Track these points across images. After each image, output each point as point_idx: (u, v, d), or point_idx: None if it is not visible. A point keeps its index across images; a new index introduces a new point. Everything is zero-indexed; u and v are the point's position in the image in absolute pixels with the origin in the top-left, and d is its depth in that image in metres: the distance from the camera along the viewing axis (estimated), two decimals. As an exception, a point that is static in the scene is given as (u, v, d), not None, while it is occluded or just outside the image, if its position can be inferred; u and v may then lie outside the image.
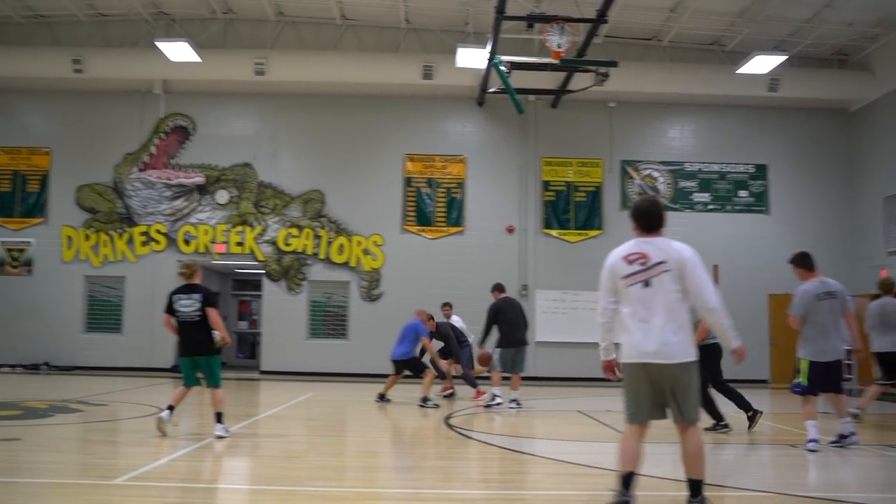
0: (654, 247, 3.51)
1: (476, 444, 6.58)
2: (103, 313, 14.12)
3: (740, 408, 6.79)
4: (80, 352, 13.95)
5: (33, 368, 13.79)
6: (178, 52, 12.95)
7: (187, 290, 6.11)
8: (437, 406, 8.99)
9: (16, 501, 3.98)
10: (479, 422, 8.01)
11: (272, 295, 13.79)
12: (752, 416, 6.79)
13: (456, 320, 10.38)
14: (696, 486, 3.35)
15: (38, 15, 14.01)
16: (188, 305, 6.03)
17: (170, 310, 6.15)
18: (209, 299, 6.09)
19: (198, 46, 12.96)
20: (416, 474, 5.25)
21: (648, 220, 3.56)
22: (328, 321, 14.02)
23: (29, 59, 13.70)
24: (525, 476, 5.28)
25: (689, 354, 3.40)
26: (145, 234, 13.91)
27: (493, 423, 8.08)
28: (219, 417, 6.10)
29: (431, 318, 9.57)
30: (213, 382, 6.13)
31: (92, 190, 14.01)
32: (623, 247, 3.60)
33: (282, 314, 13.89)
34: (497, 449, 6.29)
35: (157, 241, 13.91)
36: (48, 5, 13.79)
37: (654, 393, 3.42)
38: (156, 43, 12.81)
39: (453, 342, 9.78)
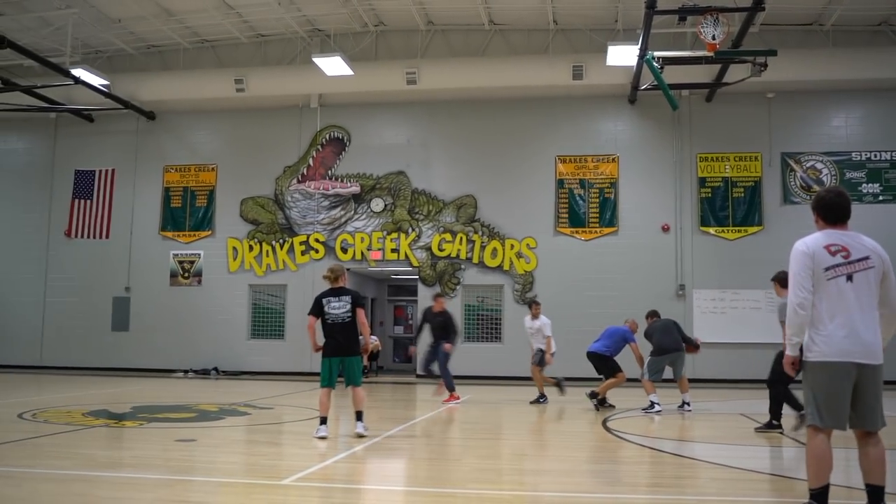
0: (853, 240, 3.75)
1: (635, 448, 7.15)
2: (267, 320, 17.00)
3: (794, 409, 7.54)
4: (245, 357, 16.88)
5: (204, 373, 16.82)
6: (333, 66, 15.64)
7: (336, 292, 7.07)
8: (612, 406, 10.02)
9: (193, 499, 4.67)
10: (637, 425, 8.69)
11: (427, 300, 16.28)
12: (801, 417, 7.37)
13: (544, 321, 11.38)
14: (878, 493, 3.60)
15: (204, 40, 17.32)
16: (339, 307, 6.98)
17: (317, 312, 7.07)
18: (358, 301, 7.11)
19: (351, 60, 15.66)
20: (576, 478, 5.62)
21: (837, 211, 3.79)
22: (482, 325, 16.29)
23: (195, 82, 16.99)
24: (688, 480, 5.58)
25: (882, 356, 3.71)
26: (304, 243, 16.76)
27: (652, 426, 8.79)
28: (359, 416, 7.07)
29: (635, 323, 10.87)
30: (355, 382, 7.06)
31: (255, 203, 17.04)
32: (818, 236, 3.81)
33: (437, 319, 16.32)
34: (657, 452, 6.75)
35: (316, 250, 16.71)
36: (212, 31, 16.98)
37: (849, 395, 3.62)
38: (313, 59, 15.63)
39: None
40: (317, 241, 16.68)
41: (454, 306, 16.10)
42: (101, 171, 17.79)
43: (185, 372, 16.62)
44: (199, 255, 17.17)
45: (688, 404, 9.91)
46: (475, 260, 16.19)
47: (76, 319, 17.58)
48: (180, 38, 17.10)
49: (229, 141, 17.55)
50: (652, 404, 9.62)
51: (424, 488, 5.24)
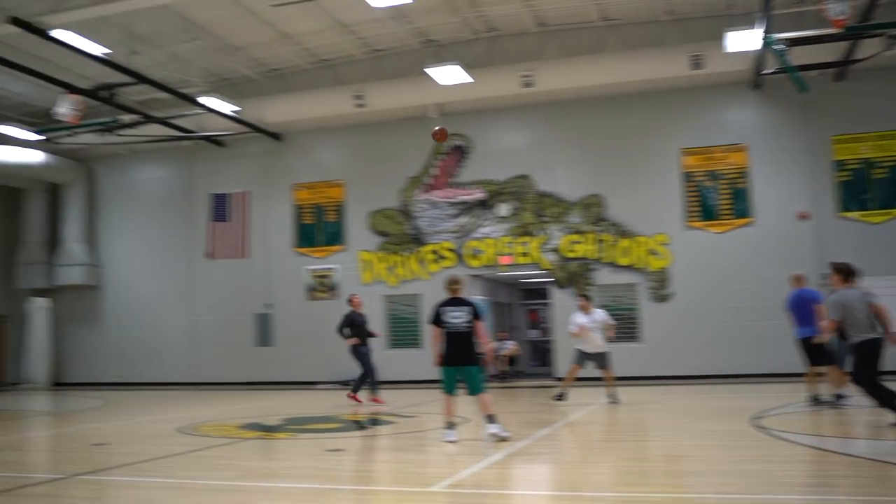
0: None
1: (792, 447, 7.85)
2: (403, 330, 20.70)
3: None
4: (384, 367, 21.18)
5: (346, 384, 21.32)
6: (448, 75, 19.16)
7: (455, 302, 8.72)
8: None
9: None
10: (794, 422, 9.59)
11: (561, 302, 19.34)
12: None
13: (601, 314, 13.56)
14: None
15: (322, 60, 21.18)
16: (458, 317, 8.61)
17: (437, 321, 8.71)
18: (478, 312, 8.72)
19: (466, 67, 19.25)
20: (729, 479, 6.14)
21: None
22: (619, 324, 19.61)
23: (317, 101, 20.87)
24: (849, 480, 6.11)
25: None
26: (435, 252, 20.45)
27: (810, 423, 9.74)
28: (491, 419, 8.56)
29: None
30: (477, 390, 8.64)
31: (383, 215, 20.94)
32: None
33: (571, 320, 19.88)
34: (818, 451, 7.50)
35: (447, 258, 20.40)
36: (329, 50, 20.75)
37: None
38: (425, 70, 19.33)
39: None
40: (447, 249, 20.40)
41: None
42: (235, 194, 22.43)
43: (329, 383, 20.74)
44: (333, 269, 21.36)
45: (844, 397, 10.95)
46: (606, 259, 19.29)
47: (221, 336, 22.22)
48: (300, 59, 21.11)
49: (354, 156, 21.53)
50: (842, 396, 10.75)
51: (575, 492, 5.99)
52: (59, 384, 24.61)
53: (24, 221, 25.39)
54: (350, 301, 15.97)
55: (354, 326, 15.37)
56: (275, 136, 22.13)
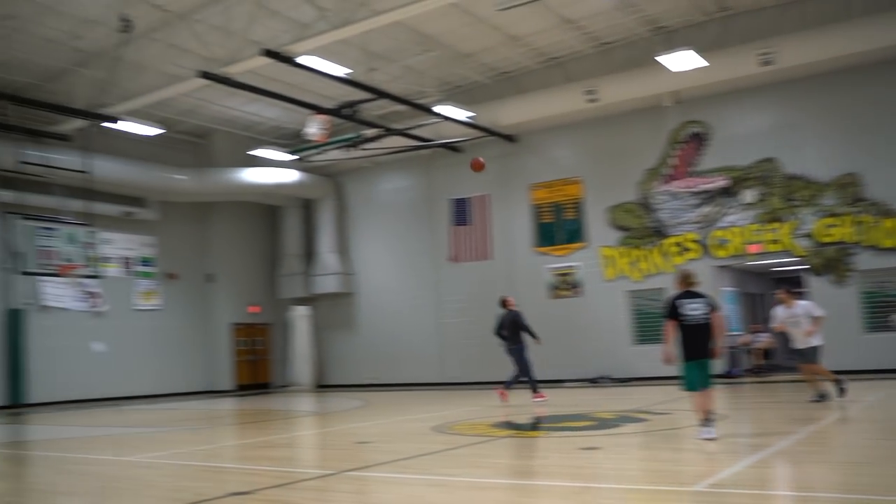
0: None
1: None
2: (648, 325, 21.11)
3: None
4: (632, 363, 22.17)
5: (593, 381, 22.95)
6: (681, 61, 19.78)
7: (691, 295, 9.05)
8: None
9: None
10: None
11: (817, 290, 18.92)
12: None
13: (804, 306, 12.95)
14: None
15: (551, 58, 22.12)
16: (697, 309, 8.90)
17: (674, 314, 8.96)
18: (715, 306, 9.00)
19: (699, 51, 19.69)
20: None
21: None
22: (885, 312, 18.55)
23: (548, 100, 21.73)
24: None
25: None
26: (678, 244, 20.70)
27: None
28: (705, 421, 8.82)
29: None
30: (707, 385, 8.92)
31: (622, 209, 21.59)
32: None
33: (829, 309, 19.51)
34: None
35: (691, 250, 20.63)
36: (557, 48, 21.61)
37: None
38: (656, 58, 19.91)
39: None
40: (690, 240, 20.98)
41: (848, 295, 18.92)
42: (475, 198, 24.10)
43: (576, 381, 21.55)
44: (575, 266, 22.66)
45: None
46: (867, 242, 18.77)
47: (469, 338, 23.85)
48: (528, 60, 22.21)
49: (589, 152, 22.29)
50: None
51: (852, 495, 5.93)
52: (321, 386, 27.58)
53: (283, 236, 28.67)
54: (504, 303, 16.89)
55: (512, 326, 16.34)
56: (509, 139, 23.64)
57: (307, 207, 28.35)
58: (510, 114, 22.67)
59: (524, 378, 16.17)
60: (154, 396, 25.56)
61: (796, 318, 12.82)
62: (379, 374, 26.01)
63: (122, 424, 16.20)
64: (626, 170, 21.72)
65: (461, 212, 24.37)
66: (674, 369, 9.33)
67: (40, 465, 10.76)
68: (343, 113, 20.41)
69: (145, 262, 25.98)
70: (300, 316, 27.63)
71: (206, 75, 17.71)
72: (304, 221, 28.36)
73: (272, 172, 26.39)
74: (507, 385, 16.26)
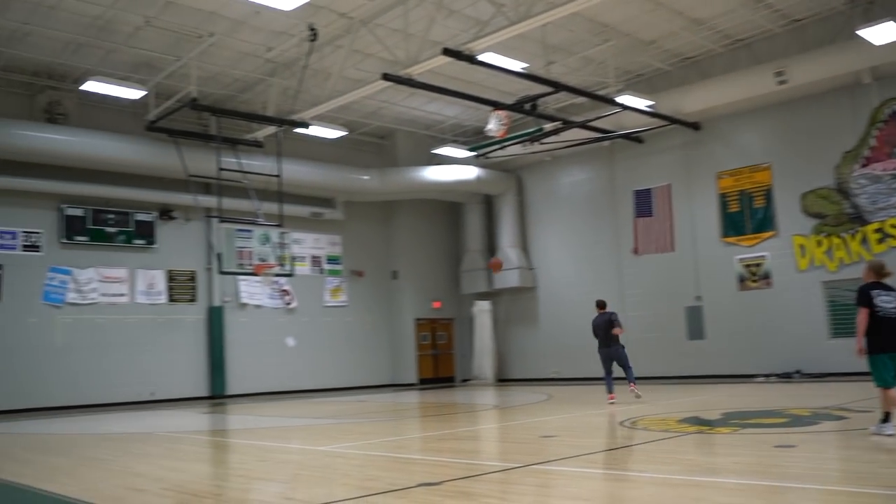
0: None
1: None
2: (845, 318, 19.67)
3: None
4: (827, 358, 21.03)
5: (785, 377, 21.57)
6: (882, 33, 18.82)
7: (883, 286, 8.84)
8: None
9: None
10: None
11: None
12: None
13: None
14: None
15: (736, 40, 21.19)
16: (890, 302, 8.69)
17: (869, 304, 8.68)
18: None
19: None
20: None
21: None
22: None
23: (734, 84, 20.85)
24: None
25: None
26: (880, 230, 19.40)
27: None
28: (887, 417, 8.54)
29: None
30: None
31: (816, 195, 20.43)
32: None
33: None
34: None
35: (893, 237, 19.24)
36: (743, 29, 20.60)
37: None
38: (857, 32, 19.09)
39: None
40: (892, 226, 19.39)
41: None
42: (657, 188, 23.53)
43: (766, 376, 20.70)
44: (765, 256, 21.86)
45: None
46: None
47: (653, 331, 23.31)
48: (713, 44, 21.36)
49: (779, 136, 21.19)
50: None
51: None
52: (503, 380, 27.88)
53: (465, 232, 29.13)
54: (600, 305, 16.57)
55: (607, 327, 15.96)
56: (693, 126, 22.76)
57: (488, 203, 28.66)
58: (694, 100, 21.97)
59: (625, 373, 15.96)
60: (341, 389, 26.63)
61: None
62: (561, 368, 25.91)
63: (314, 415, 16.90)
64: (820, 153, 20.54)
65: (644, 203, 23.85)
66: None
67: (241, 452, 11.38)
68: (522, 108, 20.40)
69: (332, 260, 27.08)
70: (482, 311, 27.93)
71: (389, 77, 18.21)
72: (485, 217, 28.68)
73: (453, 170, 26.87)
74: (631, 380, 15.83)
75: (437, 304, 28.72)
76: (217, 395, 23.70)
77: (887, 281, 9.08)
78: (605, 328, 15.98)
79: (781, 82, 20.32)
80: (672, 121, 22.17)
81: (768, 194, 21.50)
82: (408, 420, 15.32)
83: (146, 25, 18.45)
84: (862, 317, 8.75)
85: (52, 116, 21.50)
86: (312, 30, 18.33)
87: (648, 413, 13.18)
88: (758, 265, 21.64)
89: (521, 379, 27.22)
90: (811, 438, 9.41)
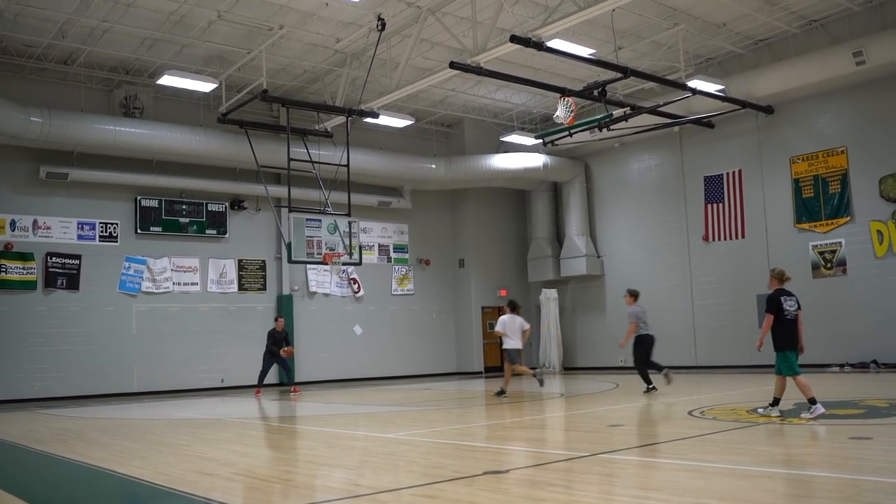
0: None
1: None
2: None
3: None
4: None
5: (861, 367, 20.62)
6: None
7: (787, 292, 9.86)
8: None
9: (866, 499, 5.33)
10: None
11: None
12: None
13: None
14: None
15: (812, 21, 20.55)
16: (792, 305, 9.85)
17: (778, 310, 9.81)
18: (798, 304, 9.81)
19: None
20: None
21: None
22: None
23: (810, 66, 20.26)
24: None
25: None
26: None
27: None
28: (812, 400, 9.27)
29: None
30: (798, 371, 9.58)
31: (895, 179, 20.12)
32: None
33: None
34: None
35: None
36: (819, 8, 19.93)
37: None
38: None
39: None
40: None
41: None
42: (728, 174, 23.02)
43: (841, 366, 20.11)
44: (840, 243, 21.28)
45: None
46: None
47: (723, 320, 22.84)
48: (787, 25, 20.73)
49: (856, 119, 20.53)
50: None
51: None
52: (569, 369, 27.87)
53: (532, 220, 28.98)
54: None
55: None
56: (766, 110, 22.17)
57: (555, 191, 28.47)
58: (767, 83, 21.45)
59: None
60: (407, 377, 26.74)
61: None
62: (628, 357, 25.59)
63: (380, 403, 17.01)
64: (900, 136, 19.74)
65: (715, 189, 23.37)
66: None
67: (308, 438, 11.48)
68: (591, 94, 20.13)
69: (399, 249, 27.20)
70: (548, 299, 27.75)
71: (456, 66, 18.15)
72: (552, 205, 28.52)
73: (520, 157, 26.75)
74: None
75: (503, 292, 28.62)
76: (286, 382, 24.03)
77: (787, 285, 10.38)
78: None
79: (860, 63, 19.65)
80: (744, 105, 21.65)
81: (844, 179, 20.87)
82: (473, 408, 15.30)
83: (218, 20, 18.73)
84: (768, 322, 10.12)
85: (129, 110, 22.01)
86: (381, 19, 18.37)
87: (718, 403, 12.98)
88: (833, 252, 21.01)
89: (587, 367, 27.02)
90: (888, 430, 9.16)
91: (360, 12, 18.85)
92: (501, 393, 16.34)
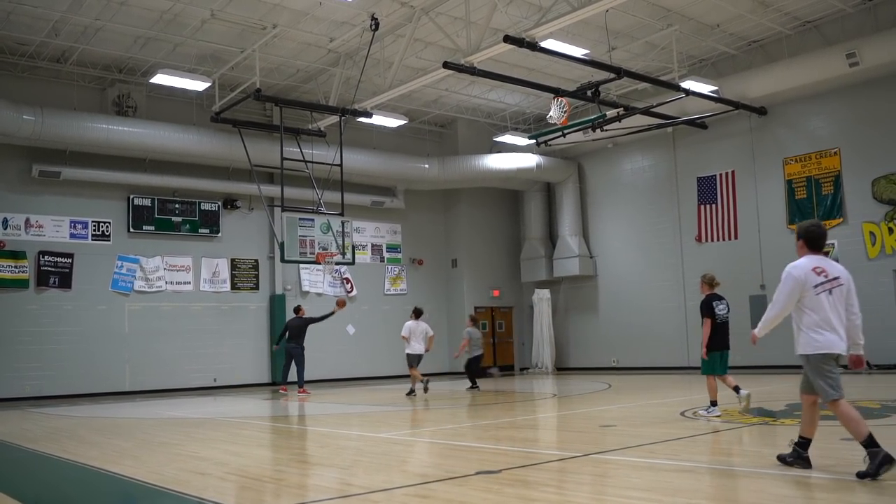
0: (828, 265, 6.52)
1: None
2: None
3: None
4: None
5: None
6: None
7: (718, 297, 10.46)
8: None
9: (857, 500, 5.36)
10: None
11: None
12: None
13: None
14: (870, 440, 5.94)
15: (805, 22, 20.56)
16: (723, 309, 10.26)
17: (712, 314, 10.31)
18: (728, 307, 10.44)
19: None
20: None
21: (820, 241, 6.66)
22: None
23: (803, 68, 20.29)
24: None
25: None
26: None
27: None
28: (736, 389, 9.93)
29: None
30: (726, 371, 10.34)
31: (888, 181, 19.63)
32: (805, 261, 6.55)
33: None
34: None
35: None
36: (813, 10, 19.96)
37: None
38: None
39: None
40: None
41: None
42: (721, 175, 23.04)
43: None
44: (833, 244, 20.96)
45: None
46: None
47: None
48: (780, 26, 20.75)
49: (849, 120, 20.56)
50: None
51: None
52: (562, 369, 27.77)
53: (525, 220, 28.99)
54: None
55: None
56: (759, 111, 22.16)
57: (548, 191, 28.52)
58: (760, 85, 21.54)
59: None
60: (400, 377, 26.77)
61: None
62: (619, 357, 25.68)
63: (373, 402, 17.03)
64: (893, 137, 19.97)
65: (708, 190, 23.44)
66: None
67: (301, 438, 11.54)
68: (584, 95, 20.17)
69: (392, 248, 27.21)
70: (541, 299, 27.79)
71: (450, 66, 18.17)
72: (546, 205, 28.56)
73: (513, 158, 26.78)
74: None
75: (496, 293, 28.67)
76: (278, 382, 24.01)
77: (718, 290, 10.89)
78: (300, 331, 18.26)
79: (853, 64, 19.72)
80: (737, 106, 21.72)
81: (837, 180, 20.97)
82: (466, 408, 15.32)
83: (212, 18, 18.71)
84: (708, 326, 10.57)
85: (122, 109, 21.97)
86: (374, 19, 18.37)
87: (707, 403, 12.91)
88: (825, 253, 20.84)
89: (580, 368, 27.08)
90: (880, 432, 9.08)
91: (353, 12, 18.85)
92: (412, 392, 17.58)
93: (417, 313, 17.92)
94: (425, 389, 17.47)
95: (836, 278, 6.60)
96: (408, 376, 17.94)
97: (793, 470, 6.75)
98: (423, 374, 17.82)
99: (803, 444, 6.58)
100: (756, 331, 7.09)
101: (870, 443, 6.13)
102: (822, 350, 6.43)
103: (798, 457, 6.59)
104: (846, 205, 20.82)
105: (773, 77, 21.29)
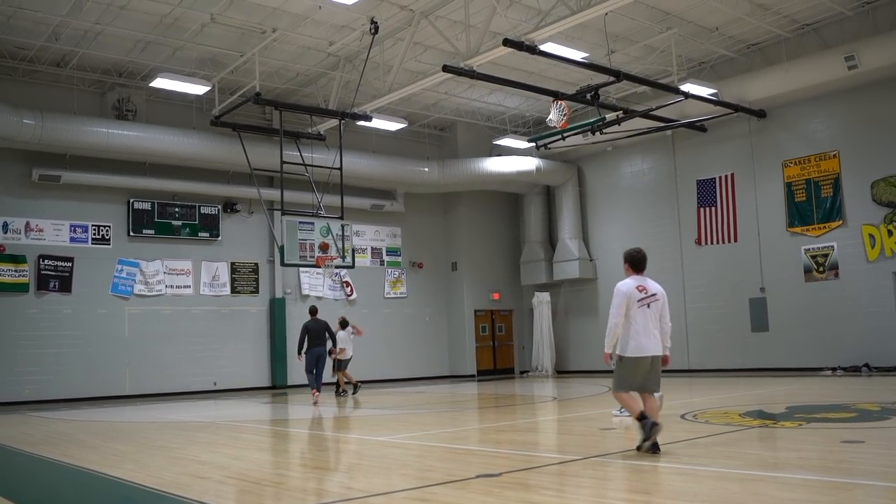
0: (648, 283, 7.97)
1: None
2: None
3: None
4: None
5: (853, 370, 20.74)
6: None
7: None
8: None
9: (858, 502, 5.39)
10: None
11: None
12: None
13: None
14: (654, 426, 7.50)
15: (804, 25, 20.60)
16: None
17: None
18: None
19: None
20: None
21: (642, 264, 8.13)
22: None
23: (802, 71, 20.31)
24: None
25: (661, 350, 7.86)
26: None
27: None
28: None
29: None
30: None
31: (887, 183, 19.64)
32: (630, 280, 8.01)
33: None
34: None
35: None
36: (812, 13, 19.99)
37: (644, 373, 7.80)
38: None
39: None
40: None
41: None
42: (720, 178, 23.07)
43: (833, 370, 20.01)
44: (832, 246, 21.11)
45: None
46: None
47: (715, 323, 22.94)
48: (780, 29, 20.77)
49: (848, 123, 20.59)
50: None
51: None
52: (562, 372, 27.73)
53: (525, 223, 29.00)
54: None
55: None
56: (759, 114, 22.18)
57: (548, 194, 28.54)
58: (759, 87, 21.56)
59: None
60: (400, 380, 26.74)
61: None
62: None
63: (373, 406, 17.00)
64: (892, 139, 20.00)
65: (707, 193, 23.46)
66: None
67: (301, 441, 11.55)
68: (584, 98, 20.17)
69: (392, 252, 27.21)
70: (541, 302, 27.78)
71: (449, 69, 18.19)
72: (545, 208, 28.57)
73: (513, 161, 26.80)
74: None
75: (496, 296, 28.67)
76: (278, 385, 24.03)
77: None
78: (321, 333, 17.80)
79: (852, 67, 19.73)
80: (736, 108, 21.75)
81: (836, 183, 20.97)
82: (466, 411, 15.32)
83: (211, 22, 18.73)
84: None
85: (122, 113, 21.98)
86: (373, 23, 18.38)
87: (711, 406, 12.96)
88: (825, 256, 21.09)
89: (580, 371, 27.04)
90: (880, 434, 9.15)
91: (353, 15, 18.86)
92: (343, 393, 19.30)
93: (343, 324, 19.65)
94: (355, 390, 19.39)
95: (653, 295, 8.06)
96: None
97: (793, 472, 6.75)
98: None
99: (641, 416, 7.82)
100: (605, 348, 8.29)
101: (641, 417, 7.73)
102: (634, 354, 7.94)
103: (646, 427, 7.79)
104: (845, 207, 20.83)
105: (773, 80, 21.30)
